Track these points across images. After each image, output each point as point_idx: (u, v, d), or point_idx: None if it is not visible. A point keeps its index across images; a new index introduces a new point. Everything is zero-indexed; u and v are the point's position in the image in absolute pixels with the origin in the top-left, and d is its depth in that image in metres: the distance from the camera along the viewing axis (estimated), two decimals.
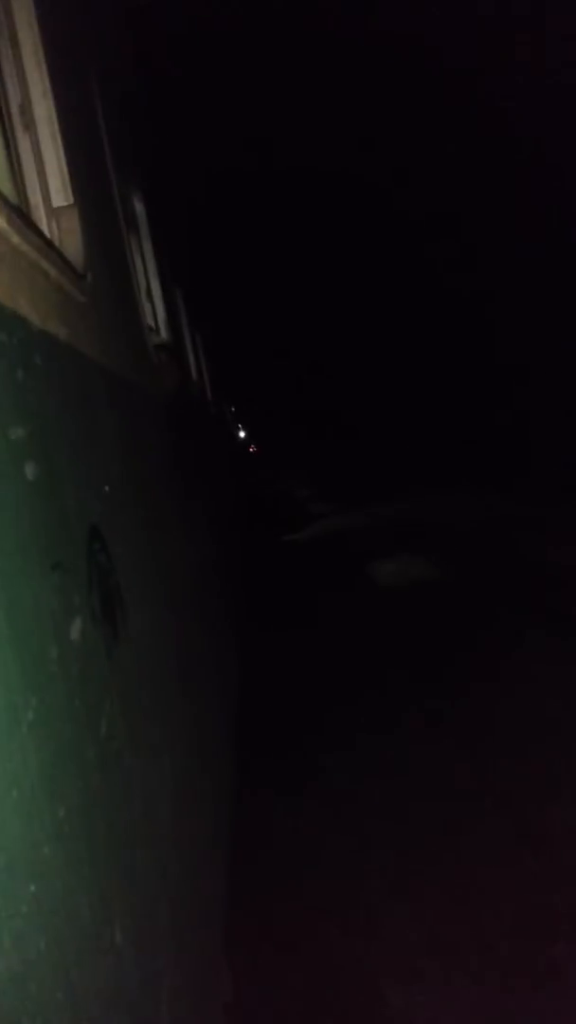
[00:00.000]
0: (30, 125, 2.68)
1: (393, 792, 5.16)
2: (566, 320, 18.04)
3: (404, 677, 7.13)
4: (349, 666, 7.71)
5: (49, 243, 2.20)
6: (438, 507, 17.57)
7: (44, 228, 2.51)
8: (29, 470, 1.59)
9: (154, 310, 5.38)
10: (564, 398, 17.97)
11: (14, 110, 2.65)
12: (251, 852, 4.57)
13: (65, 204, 2.70)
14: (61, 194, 2.71)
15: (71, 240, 2.66)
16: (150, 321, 5.05)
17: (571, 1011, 3.35)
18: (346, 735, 6.10)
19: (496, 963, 3.62)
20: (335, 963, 3.81)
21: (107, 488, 2.36)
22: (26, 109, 2.66)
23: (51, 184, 2.68)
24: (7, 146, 2.55)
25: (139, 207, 5.31)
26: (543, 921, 3.83)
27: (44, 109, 2.69)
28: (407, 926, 3.97)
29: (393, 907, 4.13)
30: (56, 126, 2.71)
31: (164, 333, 5.43)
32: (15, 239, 1.81)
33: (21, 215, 1.89)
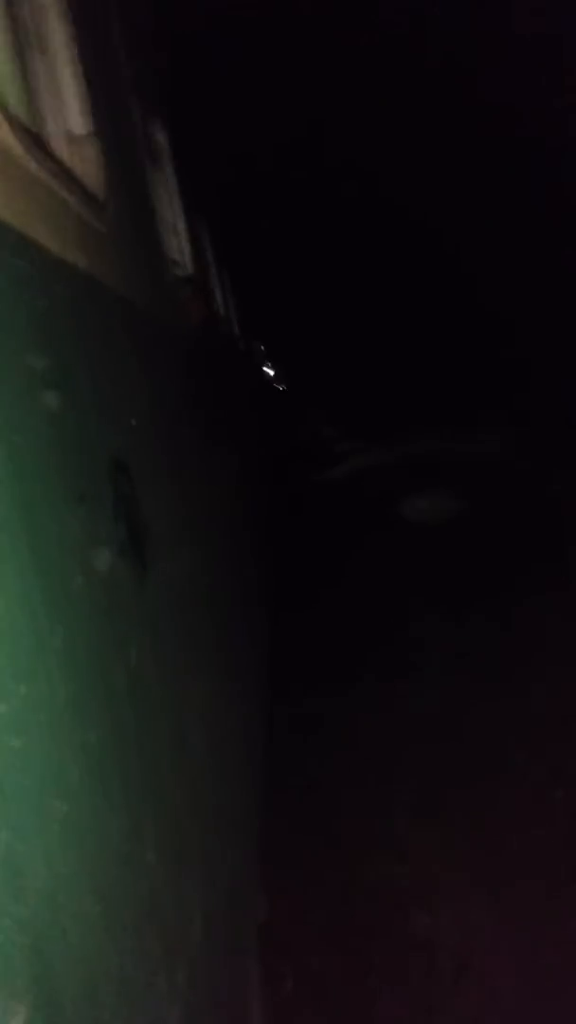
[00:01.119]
0: (46, 49, 2.61)
1: (423, 729, 5.22)
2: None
3: (433, 615, 7.16)
4: (379, 606, 7.74)
5: (68, 171, 2.17)
6: (465, 443, 17.39)
7: (62, 156, 2.47)
8: (51, 400, 1.59)
9: (178, 243, 5.30)
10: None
11: (30, 33, 2.58)
12: (282, 775, 4.67)
13: (83, 132, 2.64)
14: (79, 122, 2.65)
15: (90, 169, 2.62)
16: (174, 255, 4.98)
17: None
18: (378, 672, 6.16)
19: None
20: (365, 886, 3.91)
21: (132, 421, 2.35)
22: (42, 32, 2.60)
23: (69, 111, 2.63)
24: (23, 71, 2.50)
25: (162, 138, 5.21)
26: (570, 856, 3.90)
27: (61, 33, 2.62)
28: (433, 852, 4.06)
29: (421, 835, 4.21)
30: (74, 51, 2.64)
31: (189, 267, 5.36)
32: (32, 167, 1.78)
33: (38, 142, 1.86)
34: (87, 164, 2.61)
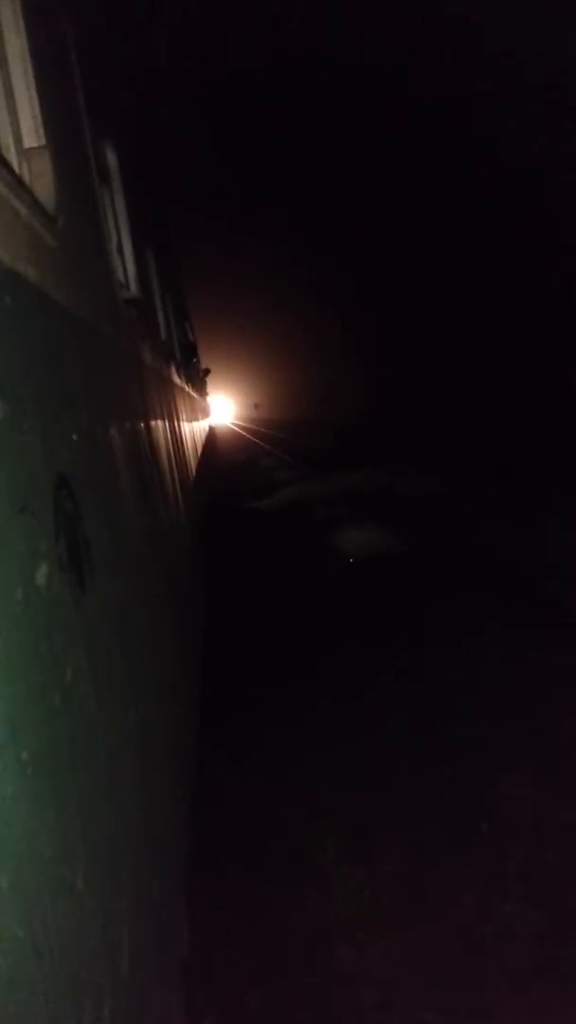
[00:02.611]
0: (1, 62, 2.59)
1: (345, 755, 5.22)
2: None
3: (358, 643, 7.23)
4: (305, 633, 7.77)
5: (20, 182, 2.14)
6: (404, 479, 17.61)
7: (15, 167, 2.44)
8: None
9: (124, 265, 5.28)
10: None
11: None
12: (209, 806, 4.60)
13: (37, 145, 2.62)
14: (33, 135, 2.63)
15: (42, 182, 2.59)
16: (120, 276, 4.96)
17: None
18: (303, 696, 6.17)
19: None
20: (290, 921, 3.86)
21: (75, 436, 2.32)
22: None
23: (23, 124, 2.61)
24: None
25: (112, 159, 5.20)
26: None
27: (16, 47, 2.60)
28: (357, 887, 4.04)
29: (348, 871, 4.18)
30: (29, 65, 2.63)
31: (134, 288, 5.34)
32: None
33: None
34: (39, 177, 2.59)
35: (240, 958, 3.64)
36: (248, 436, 44.39)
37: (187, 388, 15.30)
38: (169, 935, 2.96)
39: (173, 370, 10.53)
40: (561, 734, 5.13)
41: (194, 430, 15.34)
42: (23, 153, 2.58)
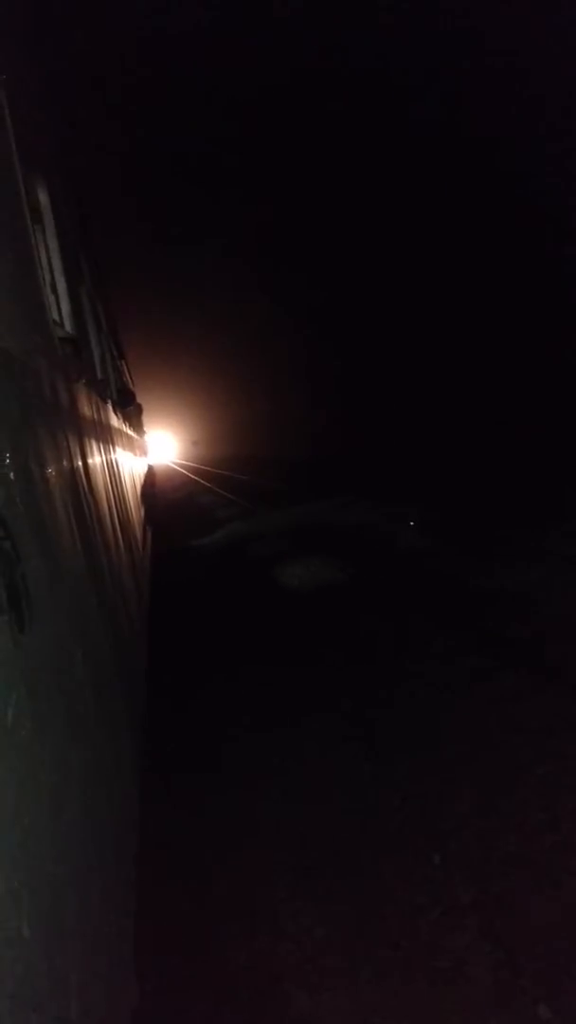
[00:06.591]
0: None
1: (295, 798, 5.19)
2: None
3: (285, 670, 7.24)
4: (251, 666, 7.78)
5: None
6: (345, 513, 17.75)
7: None
8: None
9: (59, 303, 5.26)
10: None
11: None
12: (154, 846, 4.51)
13: None
14: None
15: None
16: (55, 314, 4.94)
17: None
18: (246, 730, 6.15)
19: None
20: (241, 965, 3.79)
21: (12, 475, 2.29)
22: None
23: None
24: None
25: (44, 198, 5.19)
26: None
27: None
28: (312, 929, 3.99)
29: (299, 908, 4.13)
30: None
31: (69, 327, 5.32)
32: None
33: None
34: None
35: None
36: (188, 475, 44.32)
37: (124, 427, 15.20)
38: (118, 983, 2.89)
39: (110, 409, 10.47)
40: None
41: (133, 469, 15.25)
42: None
